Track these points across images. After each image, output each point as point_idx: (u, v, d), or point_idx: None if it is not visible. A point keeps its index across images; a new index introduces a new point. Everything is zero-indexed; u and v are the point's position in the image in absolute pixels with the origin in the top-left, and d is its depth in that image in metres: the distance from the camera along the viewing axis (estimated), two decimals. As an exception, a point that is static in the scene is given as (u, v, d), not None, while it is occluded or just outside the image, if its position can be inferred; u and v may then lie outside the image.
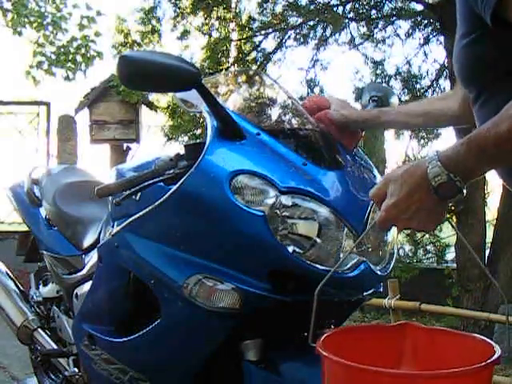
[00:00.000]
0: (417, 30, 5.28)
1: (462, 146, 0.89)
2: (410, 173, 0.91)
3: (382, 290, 1.43)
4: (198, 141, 1.39)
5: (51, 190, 2.23)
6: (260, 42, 5.64)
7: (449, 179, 0.88)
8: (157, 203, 1.30)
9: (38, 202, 2.33)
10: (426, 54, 5.30)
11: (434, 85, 5.15)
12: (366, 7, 5.28)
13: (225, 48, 5.74)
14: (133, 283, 1.45)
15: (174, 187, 1.27)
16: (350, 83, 5.85)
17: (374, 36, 5.44)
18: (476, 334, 1.01)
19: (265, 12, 5.53)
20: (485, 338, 0.97)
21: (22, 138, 6.81)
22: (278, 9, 5.47)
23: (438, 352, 1.01)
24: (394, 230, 1.41)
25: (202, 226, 1.26)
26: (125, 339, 1.46)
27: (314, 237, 1.22)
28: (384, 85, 4.61)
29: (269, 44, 5.61)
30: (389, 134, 5.44)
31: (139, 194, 1.36)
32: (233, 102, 1.62)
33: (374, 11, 5.31)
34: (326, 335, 0.96)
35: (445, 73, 5.07)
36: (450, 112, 1.32)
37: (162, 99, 6.67)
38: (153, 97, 6.78)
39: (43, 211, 2.28)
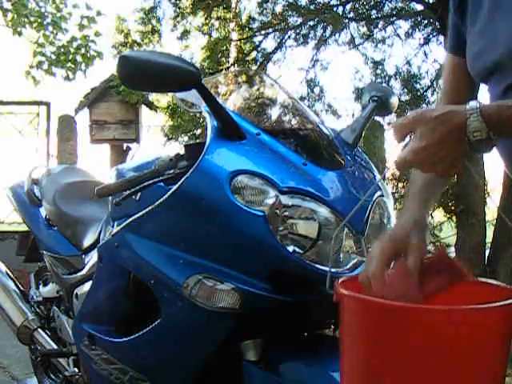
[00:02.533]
0: (417, 29, 5.28)
1: (510, 110, 0.87)
2: (445, 118, 0.87)
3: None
4: (197, 141, 1.39)
5: (51, 190, 2.23)
6: (260, 42, 5.64)
7: (488, 137, 0.85)
8: (157, 203, 1.30)
9: (37, 202, 2.33)
10: (425, 54, 5.30)
11: (434, 85, 5.15)
12: (366, 7, 5.28)
13: (225, 48, 5.75)
14: (133, 283, 1.45)
15: (174, 187, 1.27)
16: (350, 83, 5.86)
17: (374, 36, 5.45)
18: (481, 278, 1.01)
19: (265, 12, 5.54)
20: (490, 281, 0.97)
21: (22, 138, 6.82)
22: (278, 9, 5.48)
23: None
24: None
25: (202, 226, 1.26)
26: (125, 339, 1.46)
27: (314, 237, 1.22)
28: (384, 85, 4.61)
29: (269, 44, 5.62)
30: (389, 134, 5.44)
31: (139, 194, 1.36)
32: (233, 101, 1.62)
33: (374, 11, 5.31)
34: (341, 281, 0.93)
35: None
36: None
37: (162, 99, 6.69)
38: (153, 97, 6.79)
39: (43, 211, 2.28)
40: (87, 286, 1.73)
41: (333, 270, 1.21)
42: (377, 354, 0.83)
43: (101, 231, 1.74)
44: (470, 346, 0.80)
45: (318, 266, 1.21)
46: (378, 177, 1.48)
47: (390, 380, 0.83)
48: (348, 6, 5.26)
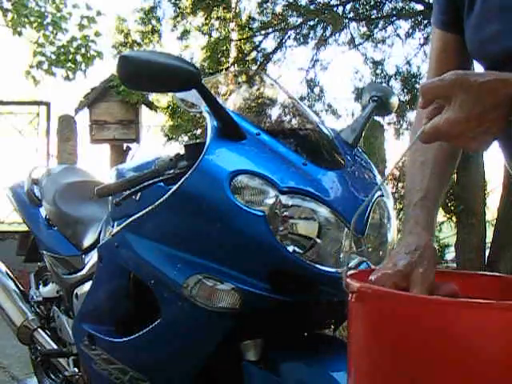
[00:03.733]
0: (417, 29, 5.28)
1: None
2: (492, 87, 0.74)
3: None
4: (197, 141, 1.39)
5: (51, 190, 2.23)
6: (260, 42, 5.64)
7: None
8: (157, 203, 1.30)
9: (37, 202, 2.33)
10: (425, 54, 5.30)
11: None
12: (366, 7, 5.28)
13: (225, 48, 5.75)
14: (133, 283, 1.45)
15: (174, 187, 1.27)
16: (349, 83, 5.87)
17: (374, 36, 5.45)
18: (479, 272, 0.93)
19: (265, 12, 5.53)
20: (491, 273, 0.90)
21: (22, 138, 6.82)
22: (278, 9, 5.48)
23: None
24: (394, 229, 1.41)
25: (202, 226, 1.26)
26: (125, 339, 1.46)
27: (314, 237, 1.22)
28: (384, 85, 4.61)
29: (269, 44, 5.62)
30: (389, 134, 5.44)
31: (139, 194, 1.36)
32: (233, 101, 1.62)
33: (374, 11, 5.31)
34: (350, 274, 0.83)
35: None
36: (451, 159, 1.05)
37: (162, 99, 6.69)
38: (153, 97, 6.79)
39: (43, 211, 2.28)
40: (87, 286, 1.73)
41: (333, 269, 1.21)
42: (409, 363, 0.70)
43: (101, 231, 1.74)
44: None
45: (317, 265, 1.21)
46: (379, 177, 1.47)
47: None
48: (348, 6, 5.26)
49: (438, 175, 0.99)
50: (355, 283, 0.76)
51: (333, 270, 1.21)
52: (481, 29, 0.94)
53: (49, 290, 2.31)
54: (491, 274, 0.91)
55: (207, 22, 5.71)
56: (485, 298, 0.69)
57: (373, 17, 5.32)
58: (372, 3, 5.24)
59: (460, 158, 1.08)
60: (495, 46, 0.92)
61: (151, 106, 6.96)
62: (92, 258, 1.82)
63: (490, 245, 4.33)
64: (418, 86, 5.16)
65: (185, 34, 5.66)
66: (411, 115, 5.34)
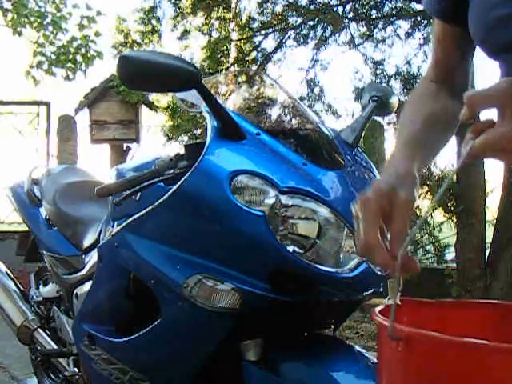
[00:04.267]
0: (417, 30, 5.28)
1: None
2: None
3: (382, 289, 1.43)
4: (198, 141, 1.39)
5: (51, 190, 2.23)
6: (260, 42, 5.65)
7: None
8: (157, 203, 1.30)
9: (37, 202, 2.33)
10: (425, 54, 5.30)
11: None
12: (366, 7, 5.29)
13: (225, 48, 5.76)
14: (133, 283, 1.45)
15: (174, 187, 1.27)
16: (349, 83, 5.86)
17: (374, 36, 5.45)
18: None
19: (265, 12, 5.54)
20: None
21: (22, 138, 6.83)
22: (278, 9, 5.49)
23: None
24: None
25: (202, 226, 1.26)
26: (125, 339, 1.46)
27: (314, 237, 1.22)
28: (384, 85, 4.61)
29: (269, 44, 5.63)
30: (389, 134, 5.45)
31: (139, 194, 1.36)
32: (233, 102, 1.62)
33: (374, 11, 5.31)
34: (379, 310, 0.71)
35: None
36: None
37: (162, 99, 6.70)
38: (153, 97, 6.80)
39: (43, 211, 2.29)
40: (87, 286, 1.73)
41: (333, 269, 1.21)
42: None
43: (101, 231, 1.74)
44: None
45: (317, 265, 1.21)
46: (379, 176, 1.47)
47: None
48: (348, 6, 5.26)
49: (428, 126, 0.91)
50: (404, 328, 0.62)
51: (333, 270, 1.21)
52: (488, 12, 0.85)
53: (49, 290, 2.31)
54: (488, 301, 0.87)
55: (207, 22, 5.72)
56: (483, 329, 0.66)
57: (373, 17, 5.33)
58: (372, 3, 5.25)
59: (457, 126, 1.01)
60: (504, 30, 0.83)
61: (151, 106, 6.96)
62: (92, 257, 1.82)
63: (489, 245, 4.33)
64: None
65: (185, 33, 5.67)
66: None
